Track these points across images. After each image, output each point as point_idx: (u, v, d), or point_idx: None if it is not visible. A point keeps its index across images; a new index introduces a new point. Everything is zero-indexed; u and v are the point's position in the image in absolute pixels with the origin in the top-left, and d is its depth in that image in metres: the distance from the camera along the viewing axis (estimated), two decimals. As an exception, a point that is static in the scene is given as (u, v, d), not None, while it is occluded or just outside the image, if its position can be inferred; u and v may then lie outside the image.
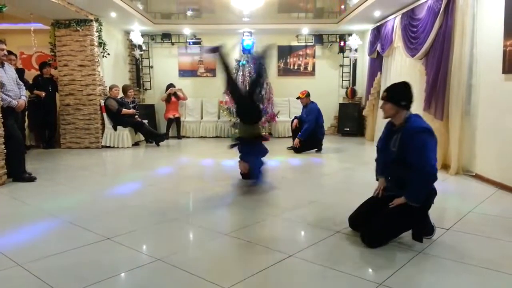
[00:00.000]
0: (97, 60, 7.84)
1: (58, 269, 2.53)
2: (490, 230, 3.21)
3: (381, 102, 3.02)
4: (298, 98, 7.57)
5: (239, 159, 4.90)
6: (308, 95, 7.42)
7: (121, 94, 8.29)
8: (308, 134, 7.10)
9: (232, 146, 5.04)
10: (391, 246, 2.84)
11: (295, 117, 7.57)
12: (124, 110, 7.92)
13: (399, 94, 2.91)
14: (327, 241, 3.00)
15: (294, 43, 10.07)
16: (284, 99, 9.81)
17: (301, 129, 7.18)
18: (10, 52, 7.29)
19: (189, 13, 8.48)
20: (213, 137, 9.66)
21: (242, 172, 4.93)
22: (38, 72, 8.05)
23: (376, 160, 3.26)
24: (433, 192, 2.89)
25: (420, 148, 2.72)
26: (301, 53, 10.12)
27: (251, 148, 4.83)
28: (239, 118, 5.12)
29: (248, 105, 4.87)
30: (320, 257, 2.69)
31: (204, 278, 2.39)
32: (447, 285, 2.32)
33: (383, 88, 8.01)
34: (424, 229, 2.93)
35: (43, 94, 7.60)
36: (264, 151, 4.95)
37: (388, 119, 3.04)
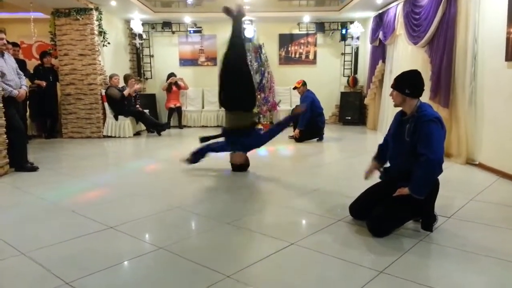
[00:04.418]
0: (97, 49, 7.81)
1: (61, 257, 2.55)
2: (491, 218, 3.22)
3: (391, 90, 3.01)
4: (294, 88, 7.54)
5: (231, 152, 4.85)
6: (304, 84, 7.39)
7: (121, 84, 8.27)
8: (306, 123, 7.08)
9: (203, 140, 4.83)
10: (392, 234, 2.85)
11: (297, 106, 7.54)
12: (126, 91, 7.92)
13: (404, 82, 2.90)
14: (329, 229, 3.01)
15: (296, 31, 10.00)
16: (286, 87, 9.76)
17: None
18: (15, 44, 7.27)
19: (189, 1, 8.40)
20: (214, 126, 9.65)
21: (237, 164, 4.83)
22: (39, 62, 8.02)
23: (379, 145, 3.26)
24: (437, 184, 2.89)
25: (428, 137, 2.70)
26: (302, 41, 10.05)
27: (243, 140, 4.68)
28: (225, 106, 4.86)
29: (240, 86, 4.61)
30: (321, 245, 2.70)
31: (207, 266, 2.40)
32: (448, 273, 2.33)
33: (385, 76, 7.99)
34: (434, 220, 2.94)
35: (44, 83, 7.59)
36: (263, 139, 4.82)
37: (398, 109, 3.04)
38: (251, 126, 4.83)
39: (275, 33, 9.94)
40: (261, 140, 4.85)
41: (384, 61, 8.16)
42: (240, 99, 4.67)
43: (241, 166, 4.85)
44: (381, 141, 3.31)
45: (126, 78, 8.35)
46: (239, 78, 4.65)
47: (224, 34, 9.88)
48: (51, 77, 7.84)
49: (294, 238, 2.81)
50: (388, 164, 3.18)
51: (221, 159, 5.22)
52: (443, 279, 2.26)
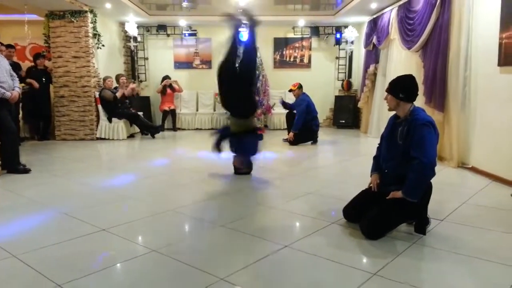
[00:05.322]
0: (91, 52, 7.78)
1: (53, 260, 2.53)
2: (483, 221, 3.24)
3: (385, 94, 3.03)
4: (290, 90, 7.57)
5: (234, 155, 4.86)
6: (300, 87, 7.42)
7: (115, 85, 8.25)
8: (300, 126, 7.10)
9: (218, 137, 4.85)
10: (386, 237, 2.86)
11: (285, 103, 7.59)
12: (119, 93, 7.94)
13: (399, 86, 2.92)
14: (323, 232, 3.01)
15: (290, 35, 10.04)
16: (280, 91, 9.78)
17: (293, 122, 7.20)
18: (10, 46, 7.22)
19: (184, 4, 8.41)
20: (208, 129, 9.64)
21: (238, 167, 4.88)
22: (32, 64, 7.98)
23: (375, 157, 3.26)
24: (430, 187, 2.91)
25: (420, 141, 2.72)
26: (297, 45, 10.09)
27: (244, 143, 4.70)
28: (229, 111, 4.87)
29: (240, 94, 4.62)
30: (315, 247, 2.71)
31: (200, 268, 2.39)
32: (441, 275, 2.34)
33: (378, 81, 8.04)
34: (427, 223, 2.95)
35: (36, 84, 7.50)
36: (256, 145, 4.76)
37: (392, 112, 3.05)
38: (252, 130, 4.83)
39: (270, 37, 9.96)
40: (254, 148, 4.78)
41: (377, 65, 8.21)
42: (241, 106, 4.73)
43: (244, 170, 4.88)
44: (374, 148, 3.32)
45: (117, 78, 8.33)
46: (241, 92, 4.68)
47: (219, 37, 9.95)
48: (44, 79, 7.80)
49: (288, 241, 2.81)
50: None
51: (217, 163, 5.21)
52: (436, 281, 2.27)
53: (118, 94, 7.90)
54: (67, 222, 3.25)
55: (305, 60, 10.15)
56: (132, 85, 8.29)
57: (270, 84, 9.61)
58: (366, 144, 7.60)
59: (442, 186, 4.10)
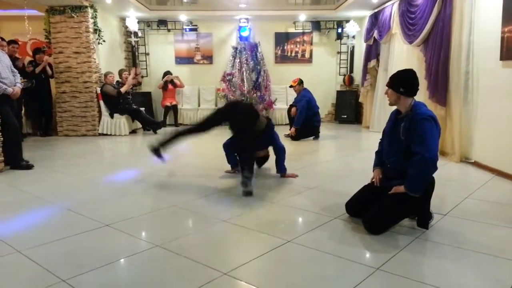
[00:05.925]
0: (92, 47, 7.77)
1: (57, 255, 2.54)
2: (487, 216, 3.23)
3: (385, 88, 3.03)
4: (290, 86, 7.54)
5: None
6: (300, 82, 7.39)
7: (116, 79, 8.24)
8: (302, 121, 7.09)
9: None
10: (388, 232, 2.86)
11: (291, 105, 7.55)
12: (123, 89, 7.92)
13: (399, 81, 2.92)
14: (325, 227, 3.02)
15: (292, 29, 10.00)
16: (282, 86, 9.77)
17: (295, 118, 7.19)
18: (13, 42, 7.21)
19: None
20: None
21: (260, 156, 4.76)
22: (32, 59, 7.98)
23: (377, 152, 3.26)
24: (433, 181, 2.91)
25: (422, 136, 2.72)
26: (298, 40, 10.05)
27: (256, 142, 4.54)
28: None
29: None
30: (318, 242, 2.71)
31: (203, 263, 2.40)
32: (444, 270, 2.34)
33: (379, 75, 8.02)
34: (429, 217, 2.95)
35: (44, 58, 7.64)
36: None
37: (394, 107, 3.05)
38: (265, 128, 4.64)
39: (271, 31, 9.93)
40: (274, 141, 4.64)
41: (378, 60, 8.19)
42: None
43: (262, 158, 4.85)
44: (376, 143, 3.32)
45: (120, 73, 8.32)
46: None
47: (219, 32, 9.94)
48: (43, 75, 7.79)
49: (291, 236, 2.82)
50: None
51: (219, 158, 5.21)
52: (438, 276, 2.27)
53: (123, 90, 7.87)
54: (70, 218, 3.26)
55: (307, 55, 10.11)
56: (131, 81, 8.28)
57: (272, 79, 9.59)
58: (368, 139, 7.59)
59: (445, 181, 4.10)
